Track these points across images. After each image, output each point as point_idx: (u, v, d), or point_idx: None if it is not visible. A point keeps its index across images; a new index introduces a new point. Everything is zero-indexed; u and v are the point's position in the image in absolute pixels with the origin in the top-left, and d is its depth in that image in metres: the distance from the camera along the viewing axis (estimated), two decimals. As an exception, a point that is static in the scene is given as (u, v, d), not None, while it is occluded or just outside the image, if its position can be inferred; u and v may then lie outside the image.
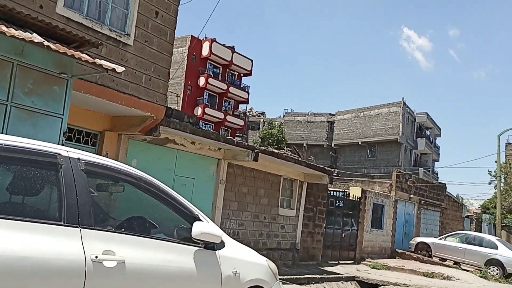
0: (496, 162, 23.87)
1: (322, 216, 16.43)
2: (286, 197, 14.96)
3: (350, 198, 18.68)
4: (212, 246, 3.52)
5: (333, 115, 57.49)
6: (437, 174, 60.46)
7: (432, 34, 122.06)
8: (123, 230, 3.12)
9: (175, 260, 3.20)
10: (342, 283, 14.37)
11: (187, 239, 3.35)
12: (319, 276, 13.45)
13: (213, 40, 42.75)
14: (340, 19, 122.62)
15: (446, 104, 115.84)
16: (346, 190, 19.04)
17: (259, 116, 67.60)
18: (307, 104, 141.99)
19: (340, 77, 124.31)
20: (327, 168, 15.17)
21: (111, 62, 8.00)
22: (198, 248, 3.41)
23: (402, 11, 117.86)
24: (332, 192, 17.73)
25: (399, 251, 21.58)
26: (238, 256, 3.74)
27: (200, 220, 3.51)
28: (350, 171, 48.37)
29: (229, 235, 11.80)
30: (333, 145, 55.18)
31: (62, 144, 5.52)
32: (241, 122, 46.62)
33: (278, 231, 14.44)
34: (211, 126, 42.94)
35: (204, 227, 3.34)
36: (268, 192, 13.91)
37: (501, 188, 30.78)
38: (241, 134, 49.14)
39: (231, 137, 13.49)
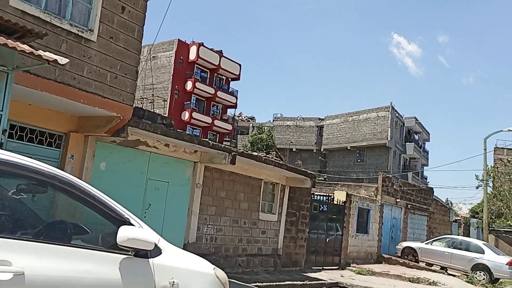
0: (483, 166, 23.65)
1: (305, 220, 16.03)
2: (268, 202, 14.55)
3: (335, 202, 18.31)
4: (145, 254, 3.10)
5: (322, 119, 57.31)
6: (426, 178, 60.41)
7: (421, 40, 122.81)
8: (38, 237, 2.71)
9: (94, 271, 2.78)
10: (325, 289, 13.98)
11: (115, 246, 2.93)
12: (301, 283, 13.04)
13: (200, 44, 42.38)
14: (330, 25, 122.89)
15: (436, 110, 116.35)
16: (330, 195, 18.66)
17: (249, 120, 67.24)
18: (296, 108, 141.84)
19: (330, 82, 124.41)
20: (309, 172, 14.79)
21: (72, 59, 7.60)
22: (126, 256, 2.99)
23: (392, 18, 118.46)
24: (316, 196, 17.34)
25: (386, 256, 21.22)
26: (178, 265, 3.32)
27: (130, 224, 3.09)
28: (340, 176, 48.12)
29: (206, 241, 11.35)
30: (322, 150, 54.94)
31: (1, 143, 5.08)
32: (229, 127, 46.21)
33: (259, 236, 14.01)
34: (199, 131, 42.50)
35: (131, 232, 2.92)
36: (248, 196, 13.50)
37: (489, 193, 30.64)
38: (229, 139, 48.75)
39: (219, 142, 13.09)
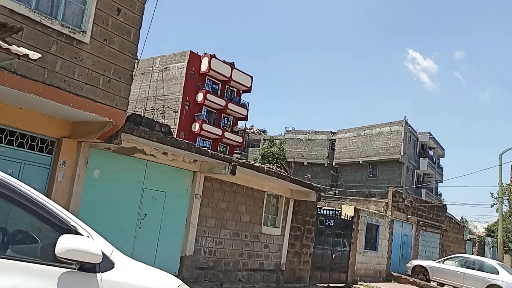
0: (498, 183, 22.87)
1: (310, 235, 15.49)
2: (271, 215, 14.07)
3: (342, 217, 17.74)
4: (92, 268, 2.69)
5: (334, 133, 56.72)
6: (440, 195, 59.21)
7: (437, 56, 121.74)
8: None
9: (24, 287, 2.39)
10: (329, 308, 13.40)
11: (55, 259, 2.54)
12: (303, 301, 12.51)
13: (212, 56, 42.31)
14: (344, 39, 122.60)
15: (451, 126, 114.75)
16: (338, 209, 18.11)
17: (260, 133, 66.94)
18: (308, 122, 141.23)
19: (342, 96, 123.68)
20: (314, 185, 14.29)
21: (63, 61, 7.32)
22: (67, 270, 2.59)
23: (407, 33, 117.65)
24: (322, 211, 16.82)
25: (395, 274, 20.49)
26: (132, 281, 2.90)
27: (76, 232, 2.69)
28: (351, 191, 47.40)
29: (205, 254, 10.89)
30: (334, 164, 54.26)
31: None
32: (240, 139, 45.86)
33: (261, 250, 13.52)
34: (209, 143, 42.22)
35: (72, 242, 2.52)
36: (250, 209, 13.05)
37: (505, 211, 29.67)
38: (239, 151, 48.38)
39: (229, 154, 12.70)
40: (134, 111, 43.93)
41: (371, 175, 51.80)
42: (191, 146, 10.17)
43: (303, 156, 57.27)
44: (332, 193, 37.48)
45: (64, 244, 2.51)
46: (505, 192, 28.20)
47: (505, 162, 23.55)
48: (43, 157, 8.61)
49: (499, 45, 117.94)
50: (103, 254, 2.75)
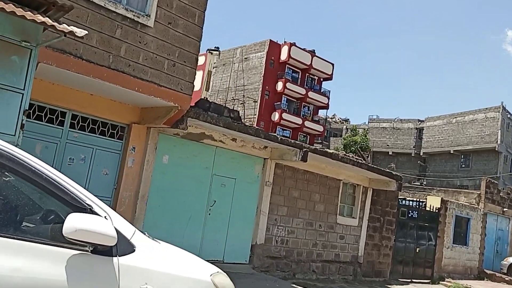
0: None
1: (391, 227, 14.59)
2: (347, 204, 13.42)
3: (428, 209, 16.54)
4: (109, 251, 2.43)
5: (422, 121, 53.74)
6: (544, 188, 54.07)
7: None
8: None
9: (25, 269, 2.17)
10: (411, 305, 12.54)
11: (65, 239, 2.30)
12: (382, 296, 11.79)
13: (292, 44, 41.76)
14: (434, 22, 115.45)
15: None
16: (422, 200, 16.92)
17: (342, 122, 65.36)
18: (394, 110, 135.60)
19: (431, 82, 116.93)
20: (394, 173, 13.38)
21: (127, 45, 7.30)
22: (79, 252, 2.35)
23: (505, 13, 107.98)
24: (404, 201, 15.78)
25: (488, 272, 18.81)
26: (156, 267, 2.60)
27: (91, 212, 2.44)
28: (441, 182, 44.68)
29: (276, 243, 10.59)
30: (421, 154, 51.47)
31: (22, 124, 4.78)
32: (320, 128, 44.95)
33: (337, 241, 12.94)
34: (289, 132, 41.86)
35: (82, 222, 2.26)
36: (324, 198, 12.51)
37: None
38: (321, 141, 47.53)
39: (309, 143, 12.30)
40: (216, 101, 44.89)
41: (463, 166, 48.46)
42: (259, 131, 9.86)
43: (387, 145, 54.99)
44: (419, 183, 35.50)
45: (72, 223, 2.26)
46: None
47: None
48: (114, 143, 8.77)
49: None
50: (121, 235, 2.48)
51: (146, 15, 7.64)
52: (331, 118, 65.44)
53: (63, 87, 7.86)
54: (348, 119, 67.56)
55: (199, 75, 48.83)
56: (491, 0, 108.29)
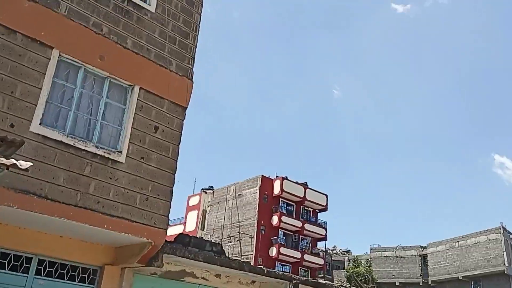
0: None
1: None
2: None
3: None
4: None
5: (424, 247, 52.28)
6: None
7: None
8: None
9: None
10: None
11: None
12: None
13: (284, 178, 42.35)
14: (425, 145, 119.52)
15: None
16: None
17: (344, 254, 63.42)
18: (394, 237, 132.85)
19: (428, 208, 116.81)
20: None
21: (97, 182, 7.14)
22: None
23: (491, 139, 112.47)
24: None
25: None
26: None
27: None
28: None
29: None
30: (429, 282, 49.13)
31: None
32: (321, 261, 43.34)
33: None
34: (289, 267, 40.23)
35: None
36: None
37: None
38: (322, 275, 45.47)
39: (311, 278, 11.59)
40: (212, 240, 43.87)
41: (475, 292, 45.92)
42: (243, 265, 9.27)
43: (393, 275, 52.68)
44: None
45: None
46: None
47: None
48: (85, 288, 8.10)
49: None
50: None
51: (118, 151, 7.63)
52: (331, 250, 63.66)
53: (30, 230, 7.47)
54: (349, 250, 65.74)
55: (194, 214, 48.51)
56: (476, 127, 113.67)
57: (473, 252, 45.41)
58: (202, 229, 46.39)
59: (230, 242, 41.18)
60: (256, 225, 40.57)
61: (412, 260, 52.52)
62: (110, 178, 7.40)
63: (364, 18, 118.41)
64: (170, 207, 8.05)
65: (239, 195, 43.10)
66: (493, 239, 44.25)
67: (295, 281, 9.73)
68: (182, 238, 9.34)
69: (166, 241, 8.28)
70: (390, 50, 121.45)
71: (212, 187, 48.32)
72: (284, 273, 10.52)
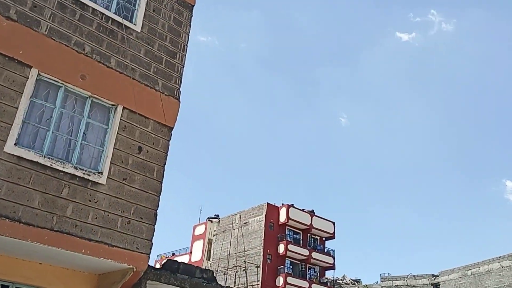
0: None
1: None
2: None
3: None
4: None
5: (436, 276, 50.81)
6: None
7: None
8: None
9: None
10: None
11: None
12: None
13: (290, 206, 41.73)
14: (435, 176, 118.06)
15: None
16: None
17: (354, 283, 61.86)
18: (405, 266, 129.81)
19: (440, 235, 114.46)
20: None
21: (75, 204, 6.85)
22: None
23: (501, 165, 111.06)
24: None
25: None
26: None
27: None
28: None
29: None
30: (443, 312, 47.49)
31: None
32: (330, 291, 42.21)
33: None
34: (296, 298, 39.21)
35: None
36: None
37: None
38: (332, 305, 44.21)
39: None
40: (217, 270, 42.95)
41: (491, 322, 44.23)
42: (234, 292, 8.79)
43: (405, 305, 51.14)
44: None
45: None
46: None
47: None
48: (64, 320, 7.68)
49: None
50: None
51: (99, 172, 7.34)
52: (341, 280, 62.17)
53: (6, 257, 7.14)
54: (360, 279, 64.10)
55: (199, 244, 47.75)
56: (486, 153, 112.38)
57: (486, 280, 43.99)
58: (208, 258, 45.59)
59: (236, 272, 40.32)
60: (262, 253, 39.74)
61: (424, 289, 51.04)
62: (90, 201, 7.09)
63: (369, 47, 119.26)
64: (154, 231, 7.69)
65: (244, 223, 42.45)
66: (507, 266, 42.89)
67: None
68: (170, 264, 8.95)
69: (151, 267, 7.90)
70: (395, 78, 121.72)
71: (218, 215, 47.72)
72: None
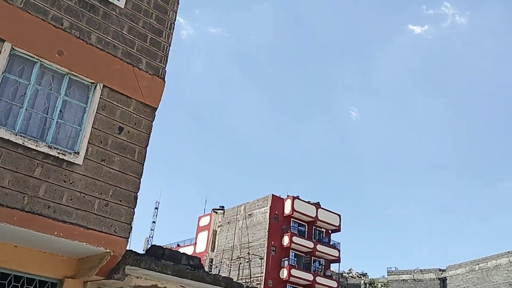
0: None
1: None
2: None
3: None
4: None
5: (443, 270, 50.36)
6: None
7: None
8: None
9: None
10: None
11: None
12: None
13: (295, 198, 41.41)
14: (445, 169, 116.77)
15: None
16: None
17: (360, 277, 61.50)
18: (412, 260, 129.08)
19: (448, 230, 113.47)
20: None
21: (48, 185, 6.56)
22: None
23: (504, 165, 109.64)
24: None
25: None
26: None
27: None
28: None
29: None
30: (449, 307, 47.03)
31: None
32: (334, 284, 41.83)
33: None
34: (300, 290, 38.97)
35: None
36: None
37: None
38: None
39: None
40: (221, 261, 42.82)
41: (497, 318, 43.68)
42: (219, 279, 8.49)
43: (411, 300, 50.74)
44: None
45: None
46: None
47: None
48: (41, 303, 7.42)
49: None
50: None
51: (75, 152, 7.03)
52: (347, 273, 61.86)
53: (-21, 239, 6.89)
54: (366, 273, 63.76)
55: (204, 235, 47.61)
56: (499, 149, 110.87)
57: (494, 275, 43.43)
58: (212, 250, 45.50)
59: (240, 263, 40.17)
60: (266, 245, 39.55)
61: (430, 284, 50.64)
62: (64, 181, 6.79)
63: (382, 40, 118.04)
64: (133, 214, 7.38)
65: (249, 215, 42.24)
66: (515, 262, 42.30)
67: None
68: (155, 249, 8.65)
69: (131, 251, 7.61)
70: (407, 71, 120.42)
71: (223, 207, 47.57)
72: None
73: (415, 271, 52.61)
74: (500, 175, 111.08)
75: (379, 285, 52.16)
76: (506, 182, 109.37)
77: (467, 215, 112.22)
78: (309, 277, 39.94)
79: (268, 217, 40.48)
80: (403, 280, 52.28)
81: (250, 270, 39.11)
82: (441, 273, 50.03)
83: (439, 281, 49.57)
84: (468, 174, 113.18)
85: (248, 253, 39.72)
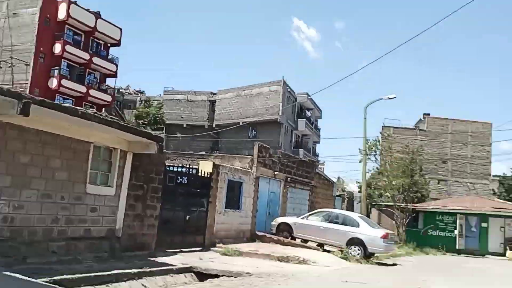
0: (363, 136, 22.72)
1: (156, 195, 13.30)
2: (102, 171, 11.56)
3: (200, 174, 15.82)
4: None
5: (214, 94, 54.87)
6: (318, 156, 60.87)
7: (320, 25, 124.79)
8: None
9: None
10: (172, 276, 11.43)
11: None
12: (136, 271, 10.32)
13: (71, 2, 37.25)
14: (228, 7, 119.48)
15: (330, 93, 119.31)
16: (194, 166, 16.13)
17: (137, 94, 62.74)
18: (189, 83, 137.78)
19: (224, 57, 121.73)
20: (154, 134, 12.04)
21: None
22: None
23: (292, 2, 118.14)
24: (173, 167, 14.70)
25: (260, 233, 19.32)
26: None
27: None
28: (232, 153, 46.21)
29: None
30: (214, 126, 52.61)
31: None
32: (109, 98, 41.65)
33: (87, 214, 11.02)
34: (71, 101, 37.62)
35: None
36: (68, 164, 10.41)
37: (374, 168, 30.35)
38: (112, 112, 44.23)
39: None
40: (-22, 64, 37.51)
41: (251, 136, 50.99)
42: None
43: (182, 118, 54.83)
44: (213, 156, 35.68)
45: None
46: (372, 148, 28.64)
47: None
48: None
49: (376, 17, 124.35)
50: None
51: None
52: (125, 89, 62.19)
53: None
54: (143, 91, 65.23)
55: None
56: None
57: (255, 101, 49.48)
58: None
59: (1, 67, 35.93)
60: (34, 51, 35.79)
61: (201, 105, 55.02)
62: None
63: None
64: None
65: (14, 14, 36.73)
66: (274, 91, 48.61)
67: (26, 100, 8.14)
68: None
69: None
70: None
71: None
72: (13, 89, 8.78)
73: (190, 92, 56.01)
74: (277, 14, 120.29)
75: (155, 103, 54.20)
76: (281, 20, 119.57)
77: (242, 44, 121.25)
78: (82, 89, 38.66)
79: (37, 20, 35.96)
80: (177, 100, 55.33)
81: (13, 76, 35.52)
82: (212, 96, 54.50)
83: (209, 103, 54.15)
84: (262, 7, 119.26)
85: (11, 57, 35.53)
